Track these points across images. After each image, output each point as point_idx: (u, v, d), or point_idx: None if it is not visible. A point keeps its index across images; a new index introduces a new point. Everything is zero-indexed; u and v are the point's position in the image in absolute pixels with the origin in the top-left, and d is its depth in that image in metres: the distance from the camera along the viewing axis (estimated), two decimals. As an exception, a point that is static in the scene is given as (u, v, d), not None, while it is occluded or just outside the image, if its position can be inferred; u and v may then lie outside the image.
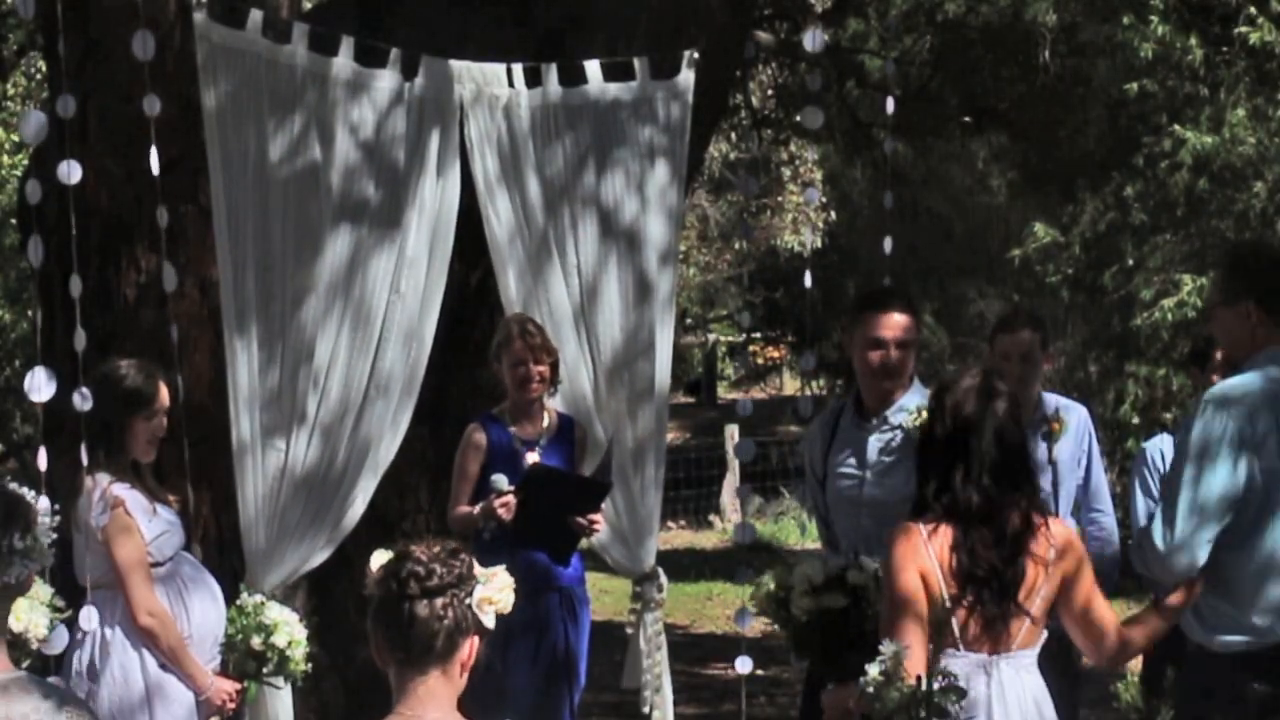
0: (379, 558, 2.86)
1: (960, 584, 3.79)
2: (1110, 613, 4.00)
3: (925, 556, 3.81)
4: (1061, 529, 3.97)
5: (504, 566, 2.91)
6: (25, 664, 4.61)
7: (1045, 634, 3.94)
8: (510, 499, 5.39)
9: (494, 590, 2.83)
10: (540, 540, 5.49)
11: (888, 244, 5.95)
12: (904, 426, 4.86)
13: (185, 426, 5.11)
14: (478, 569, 2.86)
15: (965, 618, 3.82)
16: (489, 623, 2.83)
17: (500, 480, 5.43)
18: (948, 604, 3.80)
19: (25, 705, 2.82)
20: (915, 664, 3.73)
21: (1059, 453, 5.76)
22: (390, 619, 2.79)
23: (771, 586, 4.67)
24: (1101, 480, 6.02)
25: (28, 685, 2.89)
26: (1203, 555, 4.01)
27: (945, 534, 3.82)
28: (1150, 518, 4.18)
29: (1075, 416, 6.00)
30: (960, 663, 3.79)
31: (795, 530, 16.83)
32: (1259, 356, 4.18)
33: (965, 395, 3.92)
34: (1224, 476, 4.01)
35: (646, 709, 6.06)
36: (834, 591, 4.53)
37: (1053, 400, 6.00)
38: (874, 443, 4.91)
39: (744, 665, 5.62)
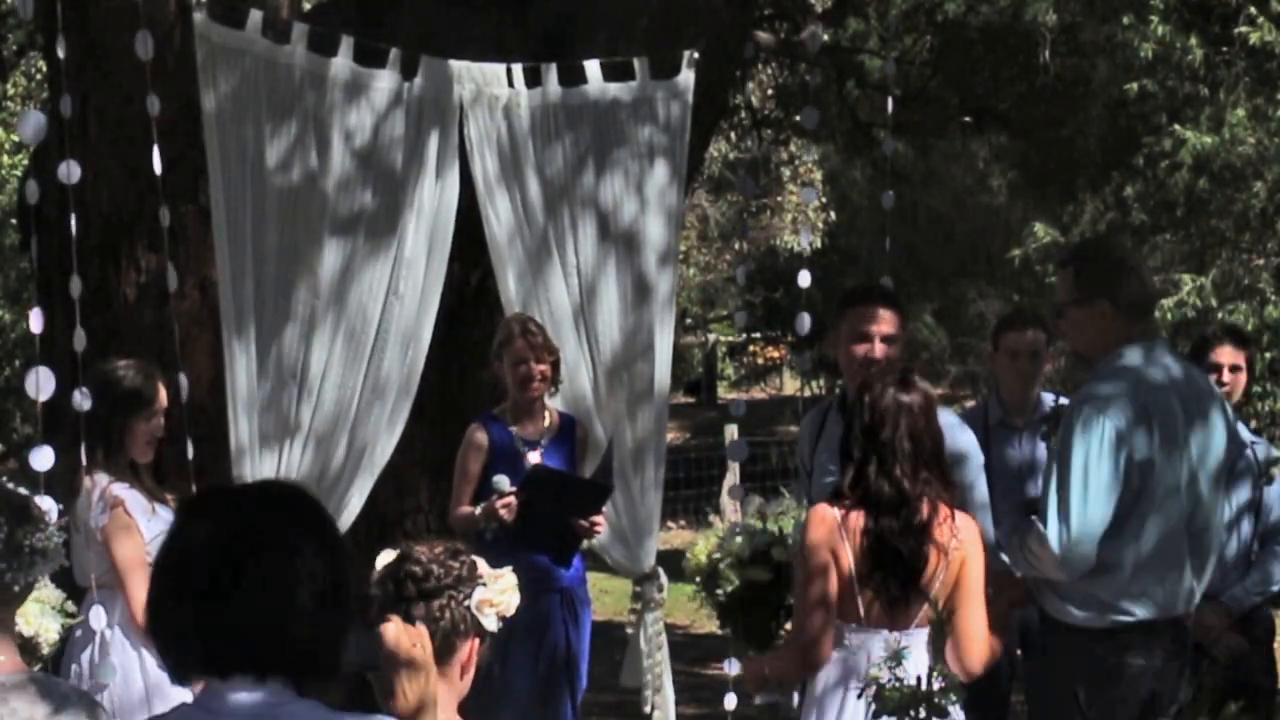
0: (384, 558, 2.86)
1: (868, 566, 4.07)
2: (979, 625, 4.16)
3: (837, 538, 4.08)
4: (966, 523, 4.18)
5: (510, 568, 2.91)
6: (36, 668, 4.62)
7: None
8: (512, 500, 5.39)
9: (495, 592, 2.82)
10: (542, 541, 5.49)
11: (887, 244, 5.97)
12: None
13: (185, 427, 5.11)
14: (484, 569, 2.85)
15: (870, 597, 4.09)
16: (489, 625, 2.82)
17: (502, 481, 5.43)
18: (855, 583, 4.07)
19: (20, 707, 2.81)
20: (822, 636, 4.09)
21: None
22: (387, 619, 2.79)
23: (702, 559, 4.94)
24: None
25: (27, 686, 2.88)
26: (1094, 552, 4.18)
27: (857, 519, 4.08)
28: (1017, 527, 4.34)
29: None
30: (863, 637, 4.09)
31: (796, 530, 16.76)
32: (1117, 354, 4.31)
33: (883, 391, 4.17)
34: (1108, 474, 4.16)
35: (648, 709, 6.07)
36: (759, 566, 4.81)
37: (1052, 400, 6.00)
38: None
39: (733, 667, 5.67)
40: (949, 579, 4.11)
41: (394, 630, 2.67)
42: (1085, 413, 4.21)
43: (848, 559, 4.08)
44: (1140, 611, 4.26)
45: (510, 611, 2.85)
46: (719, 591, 4.87)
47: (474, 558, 2.87)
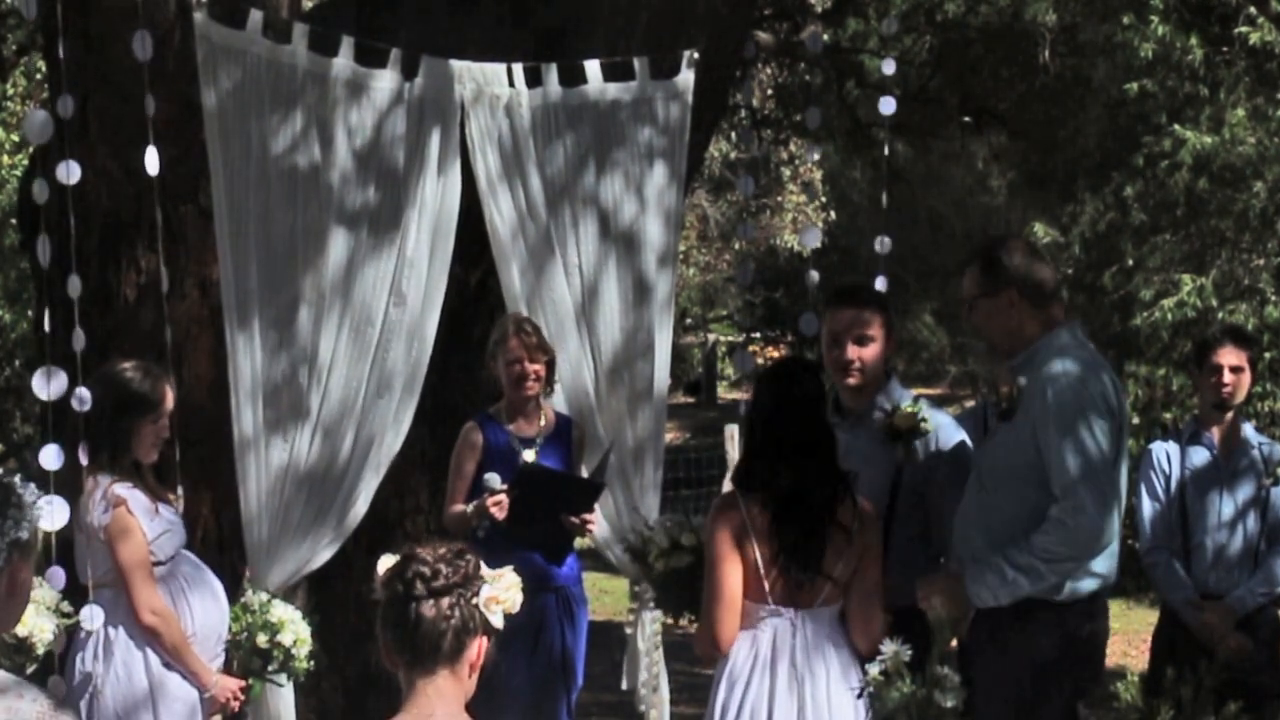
0: (385, 561, 2.86)
1: (770, 552, 4.30)
2: (877, 607, 4.38)
3: (743, 522, 4.33)
4: (869, 505, 4.42)
5: (511, 567, 2.91)
6: (32, 668, 4.62)
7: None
8: (503, 498, 5.39)
9: (501, 590, 2.83)
10: (533, 539, 5.49)
11: (885, 244, 5.96)
12: (877, 423, 4.86)
13: (184, 427, 5.11)
14: (485, 569, 2.85)
15: (774, 578, 4.32)
16: (497, 622, 2.83)
17: (493, 479, 5.43)
18: (759, 566, 4.31)
19: None
20: (722, 620, 4.36)
21: None
22: (397, 620, 2.79)
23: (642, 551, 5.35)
24: None
25: None
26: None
27: (760, 503, 4.33)
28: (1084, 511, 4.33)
29: None
30: (770, 614, 4.34)
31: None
32: (1054, 335, 4.43)
33: (778, 380, 4.44)
34: (1108, 448, 4.29)
35: (643, 709, 6.07)
36: (679, 553, 5.16)
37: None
38: (847, 441, 4.90)
39: None
40: (851, 561, 4.34)
41: None
42: (1073, 389, 4.29)
43: (753, 545, 4.31)
44: (1110, 576, 4.41)
45: (515, 609, 2.86)
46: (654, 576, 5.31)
47: (477, 558, 2.87)
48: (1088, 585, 4.37)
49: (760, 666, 4.35)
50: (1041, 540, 4.24)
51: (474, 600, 2.80)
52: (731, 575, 4.34)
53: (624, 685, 6.16)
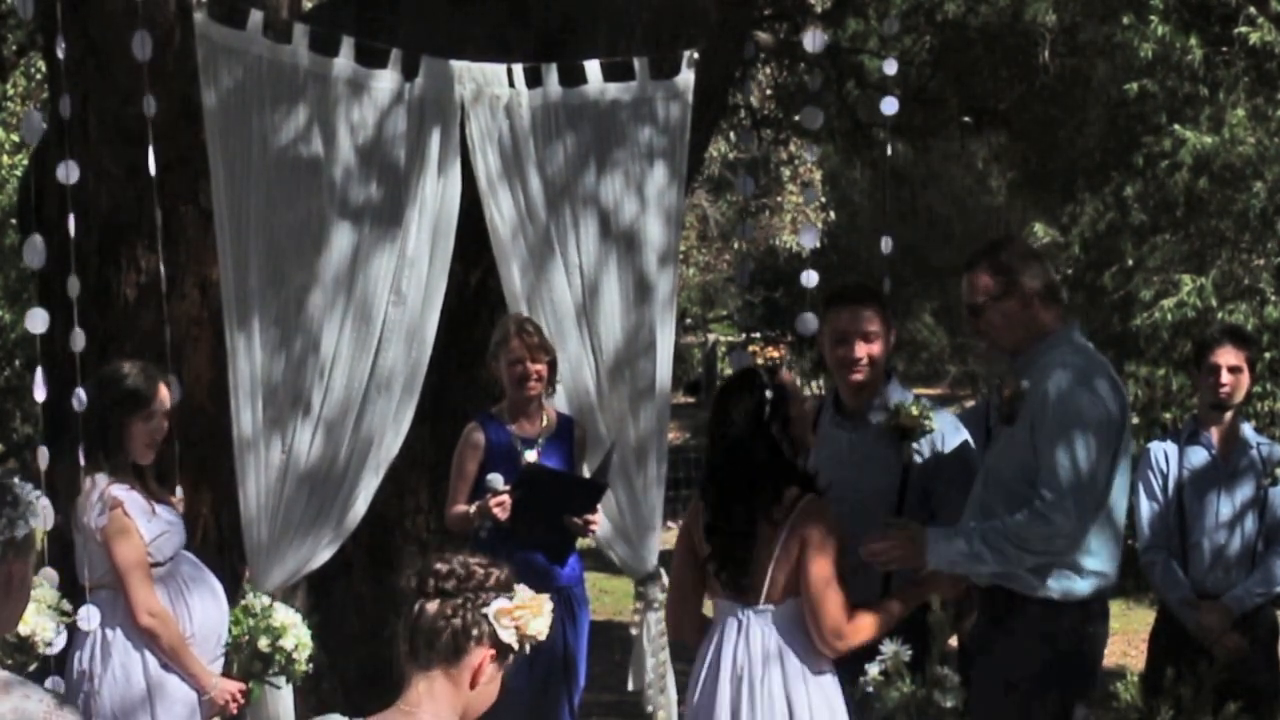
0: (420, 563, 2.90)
1: (707, 553, 4.48)
2: (833, 604, 4.32)
3: (694, 523, 4.55)
4: (815, 503, 4.38)
5: (548, 596, 2.90)
6: (33, 666, 4.62)
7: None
8: (506, 498, 5.39)
9: (516, 606, 2.82)
10: (536, 540, 5.49)
11: (887, 244, 5.96)
12: (880, 423, 4.86)
13: (184, 427, 5.11)
14: (520, 588, 2.84)
15: (715, 573, 4.47)
16: (506, 638, 2.80)
17: (496, 479, 5.43)
18: (708, 565, 4.49)
19: None
20: (676, 610, 4.70)
21: None
22: (406, 612, 2.82)
23: None
24: None
25: None
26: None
27: (700, 505, 4.54)
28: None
29: None
30: (725, 611, 4.47)
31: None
32: (1064, 333, 4.47)
33: (726, 383, 4.63)
34: (1098, 460, 4.31)
35: (650, 709, 6.07)
36: None
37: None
38: (850, 440, 4.91)
39: None
40: (789, 561, 4.34)
41: None
42: (1071, 397, 4.29)
43: (700, 541, 4.50)
44: (1110, 577, 4.43)
45: (532, 632, 2.83)
46: None
47: (511, 577, 2.86)
48: (1085, 586, 4.37)
49: (710, 662, 4.46)
50: (1017, 526, 4.26)
51: (482, 608, 2.80)
52: (681, 567, 4.62)
53: (630, 686, 6.16)
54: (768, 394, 4.42)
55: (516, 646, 2.83)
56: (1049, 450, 4.27)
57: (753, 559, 4.37)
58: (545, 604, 2.87)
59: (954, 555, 4.32)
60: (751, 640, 4.38)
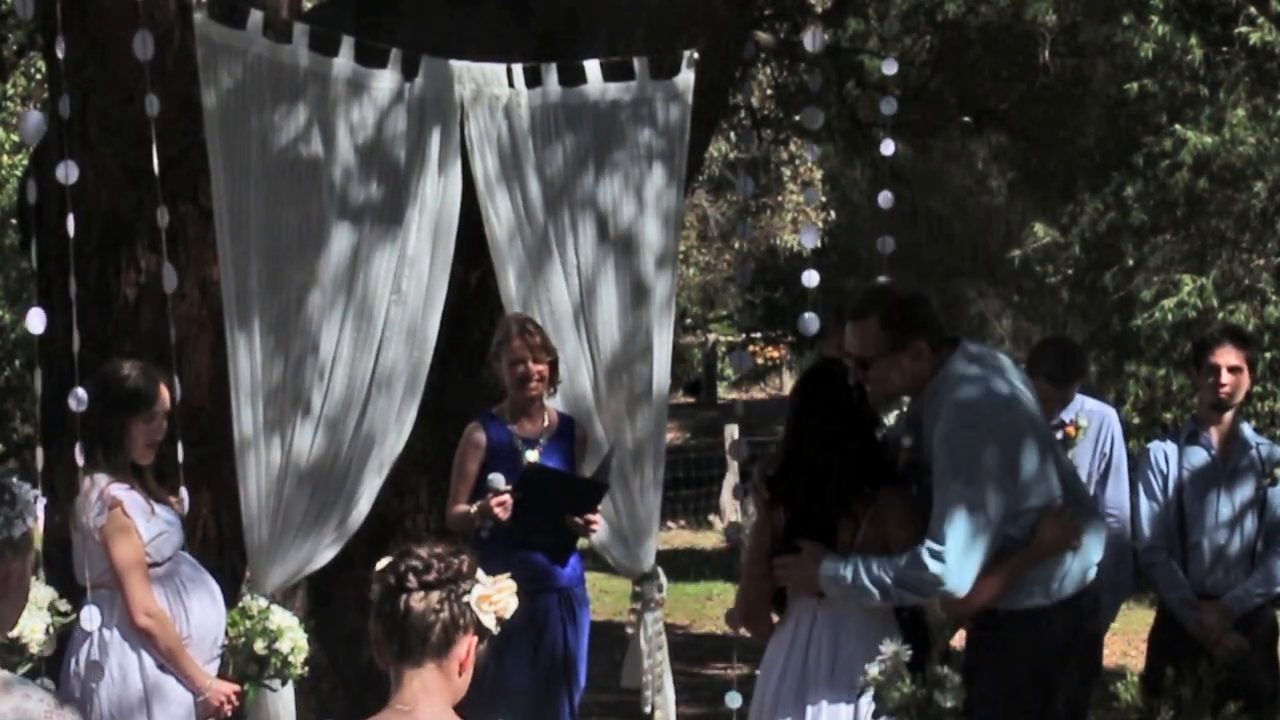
0: (384, 563, 2.87)
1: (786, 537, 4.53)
2: None
3: (766, 520, 4.62)
4: (892, 494, 4.44)
5: (508, 574, 2.91)
6: (26, 667, 4.61)
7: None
8: (507, 498, 5.40)
9: (494, 590, 2.83)
10: (537, 540, 5.49)
11: (887, 244, 5.96)
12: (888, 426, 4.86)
13: (184, 427, 5.10)
14: (481, 573, 2.86)
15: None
16: (488, 623, 2.83)
17: (497, 479, 5.43)
18: (782, 554, 4.51)
19: None
20: (744, 593, 4.79)
21: (1075, 456, 5.78)
22: (388, 612, 2.80)
23: None
24: (1119, 485, 6.03)
25: None
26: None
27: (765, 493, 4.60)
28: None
29: (1097, 420, 6.03)
30: (796, 600, 4.52)
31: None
32: (939, 380, 4.38)
33: (808, 375, 4.70)
34: (995, 496, 4.32)
35: (648, 709, 6.07)
36: None
37: (1077, 403, 6.03)
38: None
39: (734, 701, 5.88)
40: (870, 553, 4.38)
41: None
42: (963, 427, 4.27)
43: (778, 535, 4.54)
44: (1091, 566, 4.46)
45: (508, 613, 2.86)
46: None
47: (471, 559, 2.88)
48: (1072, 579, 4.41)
49: (787, 654, 4.49)
50: (897, 569, 4.27)
51: (465, 597, 2.80)
52: (753, 564, 4.62)
53: (623, 683, 6.17)
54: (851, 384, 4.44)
55: (495, 629, 2.85)
56: (939, 497, 4.27)
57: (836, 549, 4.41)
58: (508, 582, 2.88)
59: (843, 584, 4.34)
60: (830, 632, 4.43)
